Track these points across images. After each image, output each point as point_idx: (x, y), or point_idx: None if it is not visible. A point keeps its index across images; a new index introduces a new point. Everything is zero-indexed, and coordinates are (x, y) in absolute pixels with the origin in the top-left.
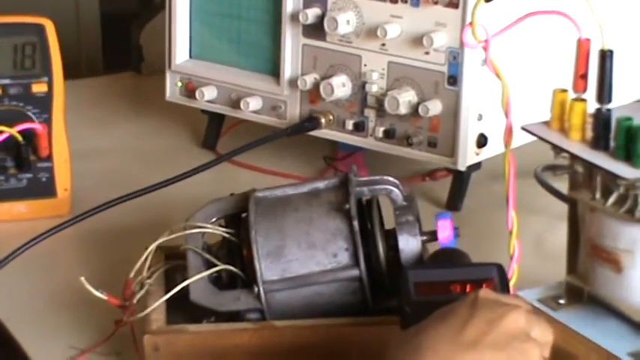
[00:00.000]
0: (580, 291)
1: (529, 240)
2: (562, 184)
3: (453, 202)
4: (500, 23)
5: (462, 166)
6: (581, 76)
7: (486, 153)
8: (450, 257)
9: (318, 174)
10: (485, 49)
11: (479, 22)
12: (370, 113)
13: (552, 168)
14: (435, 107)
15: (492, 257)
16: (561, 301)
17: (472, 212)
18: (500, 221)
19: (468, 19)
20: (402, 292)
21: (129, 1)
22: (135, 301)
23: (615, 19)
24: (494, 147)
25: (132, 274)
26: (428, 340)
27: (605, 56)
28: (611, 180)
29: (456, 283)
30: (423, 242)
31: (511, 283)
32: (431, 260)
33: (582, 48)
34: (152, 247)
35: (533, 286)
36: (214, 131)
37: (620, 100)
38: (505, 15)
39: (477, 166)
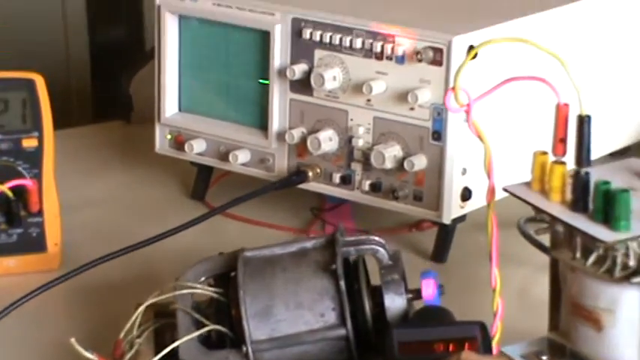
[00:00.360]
0: (562, 347)
1: (513, 291)
2: (545, 236)
3: (439, 254)
4: (482, 86)
5: (446, 220)
6: (561, 140)
7: (471, 205)
8: (435, 315)
9: (306, 225)
10: (468, 112)
11: (461, 87)
12: (357, 167)
13: (535, 220)
14: (420, 162)
15: (477, 309)
16: (544, 358)
17: (457, 264)
18: (485, 273)
19: (452, 77)
20: (387, 352)
21: (120, 50)
22: None
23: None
24: (479, 199)
25: (122, 335)
26: None
27: (583, 121)
28: (591, 241)
29: (439, 342)
30: (409, 300)
31: (495, 340)
32: (415, 318)
33: (561, 113)
34: (141, 308)
35: (518, 339)
36: (203, 182)
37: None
38: (486, 78)
39: (461, 219)
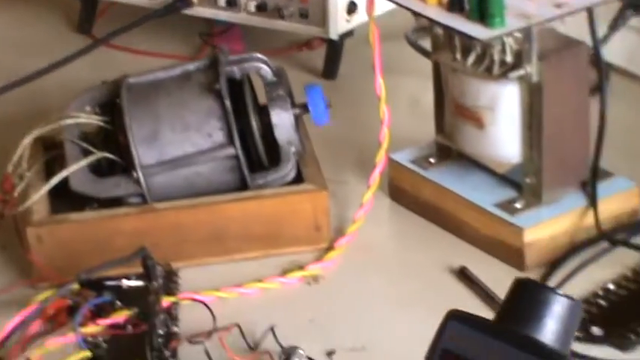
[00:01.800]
0: (449, 149)
1: (403, 101)
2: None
3: (328, 71)
4: None
5: (333, 35)
6: None
7: (357, 19)
8: (528, 300)
9: (195, 52)
10: None
11: None
12: None
13: (423, 29)
14: None
15: (368, 122)
16: (432, 160)
17: (347, 79)
18: (373, 86)
19: None
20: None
21: None
22: (15, 194)
23: None
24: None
25: (10, 168)
26: None
27: None
28: (468, 40)
29: None
30: (296, 115)
31: (383, 148)
32: (504, 304)
33: None
34: (27, 139)
35: (409, 147)
36: (88, 15)
37: None
38: None
39: (349, 34)
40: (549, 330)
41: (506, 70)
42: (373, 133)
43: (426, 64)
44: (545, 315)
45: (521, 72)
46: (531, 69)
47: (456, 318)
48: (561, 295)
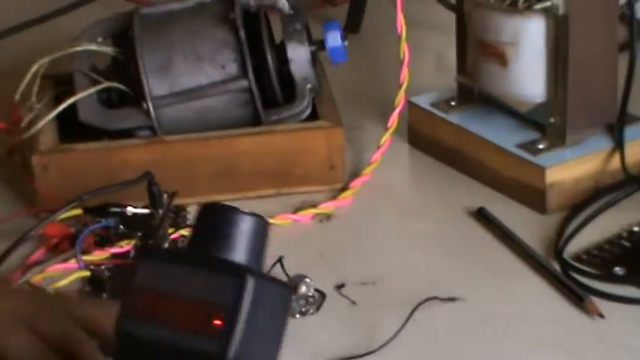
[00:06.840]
0: (470, 91)
1: (429, 55)
2: None
3: (351, 25)
4: None
5: None
6: None
7: None
8: (214, 223)
9: None
10: None
11: None
12: None
13: None
14: None
15: (389, 76)
16: (453, 103)
17: (370, 35)
18: (396, 44)
19: None
20: (122, 302)
21: None
22: (23, 124)
23: None
24: None
25: (17, 96)
26: None
27: None
28: None
29: (179, 304)
30: (313, 52)
31: (403, 87)
32: (193, 231)
33: None
34: (35, 67)
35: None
36: None
37: None
38: None
39: None
40: (239, 249)
41: (531, 4)
42: (393, 86)
43: (450, 18)
44: (232, 235)
45: (547, 3)
46: (558, 0)
47: (145, 256)
48: (246, 214)
